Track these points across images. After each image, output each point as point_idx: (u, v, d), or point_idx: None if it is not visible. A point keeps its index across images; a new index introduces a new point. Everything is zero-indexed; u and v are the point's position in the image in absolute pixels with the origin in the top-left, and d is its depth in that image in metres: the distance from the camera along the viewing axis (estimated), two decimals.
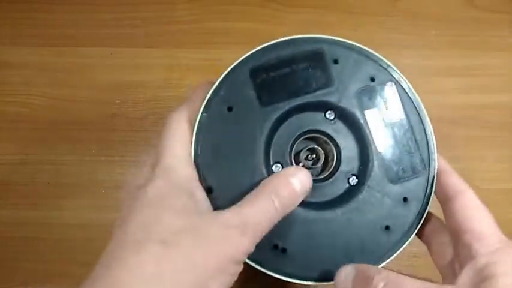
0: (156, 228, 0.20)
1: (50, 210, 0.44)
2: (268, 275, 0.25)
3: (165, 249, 0.20)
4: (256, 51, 0.27)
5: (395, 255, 0.26)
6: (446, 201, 0.26)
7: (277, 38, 0.27)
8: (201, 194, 0.24)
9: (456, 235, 0.24)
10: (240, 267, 0.22)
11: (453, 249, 0.25)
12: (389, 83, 0.27)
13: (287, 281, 0.25)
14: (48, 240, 0.44)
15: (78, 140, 0.46)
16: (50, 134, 0.46)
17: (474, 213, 0.24)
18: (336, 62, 0.27)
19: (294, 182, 0.23)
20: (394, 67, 0.28)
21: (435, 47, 0.49)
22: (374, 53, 0.27)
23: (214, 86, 0.26)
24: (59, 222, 0.44)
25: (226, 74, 0.26)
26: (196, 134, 0.25)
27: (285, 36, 0.27)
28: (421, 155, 0.27)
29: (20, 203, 0.45)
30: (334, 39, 0.27)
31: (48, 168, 0.45)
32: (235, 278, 0.22)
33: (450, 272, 0.25)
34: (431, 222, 0.28)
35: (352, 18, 0.49)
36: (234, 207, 0.22)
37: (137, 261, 0.19)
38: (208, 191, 0.24)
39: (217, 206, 0.24)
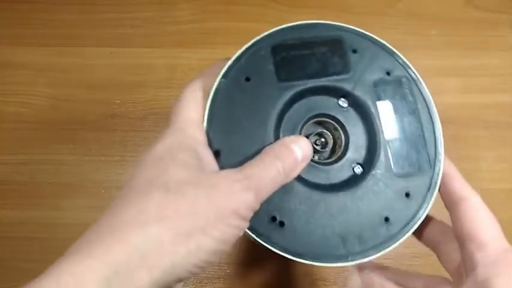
0: (161, 178, 0.21)
1: (50, 210, 0.44)
2: (262, 246, 0.25)
3: (168, 196, 0.20)
4: (281, 29, 0.27)
5: (391, 247, 0.26)
6: (451, 206, 0.26)
7: (301, 20, 0.27)
8: (208, 155, 0.24)
9: (461, 242, 0.24)
10: (245, 224, 0.22)
11: (460, 256, 0.25)
12: (404, 79, 0.28)
13: (279, 255, 0.25)
14: (48, 240, 0.44)
15: (78, 140, 0.46)
16: (50, 134, 0.46)
17: (477, 221, 0.24)
18: (354, 51, 0.27)
19: (296, 149, 0.24)
20: (410, 64, 0.28)
21: (435, 47, 0.49)
22: (392, 48, 0.28)
23: (236, 54, 0.27)
24: (59, 222, 0.44)
25: (249, 46, 0.27)
26: (212, 97, 0.25)
27: (309, 19, 0.27)
28: (428, 153, 0.27)
29: (20, 203, 0.45)
30: (356, 30, 0.28)
31: (48, 168, 0.45)
32: (240, 233, 0.22)
33: (458, 278, 0.25)
34: (438, 225, 0.28)
35: (352, 18, 0.49)
36: (238, 167, 0.23)
37: (140, 206, 0.20)
38: (216, 154, 0.25)
39: (223, 169, 0.24)
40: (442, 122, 0.28)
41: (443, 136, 0.28)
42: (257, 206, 0.22)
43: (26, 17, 0.49)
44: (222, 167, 0.24)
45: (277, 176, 0.23)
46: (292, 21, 0.28)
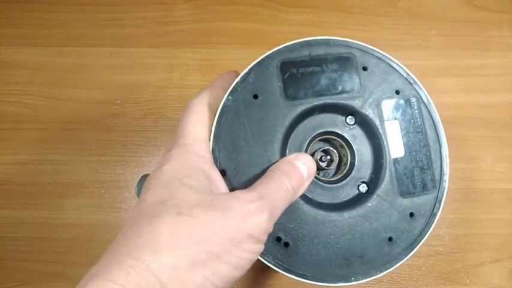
0: (172, 202, 0.20)
1: (50, 210, 0.44)
2: (267, 267, 0.25)
3: (181, 219, 0.20)
4: (290, 45, 0.27)
5: (394, 267, 0.26)
6: None
7: (311, 36, 0.27)
8: (216, 175, 0.24)
9: None
10: (259, 247, 0.21)
11: None
12: (413, 98, 0.28)
13: (283, 275, 0.25)
14: (48, 240, 0.44)
15: (78, 140, 0.46)
16: (50, 134, 0.46)
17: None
18: (364, 69, 0.27)
19: (300, 165, 0.23)
20: (419, 83, 0.28)
21: (435, 47, 0.49)
22: (403, 67, 0.28)
23: (244, 72, 0.26)
24: (59, 222, 0.44)
25: (257, 63, 0.26)
26: (219, 115, 0.25)
27: (319, 35, 0.27)
28: (433, 174, 0.27)
29: (20, 203, 0.45)
30: (367, 47, 0.28)
31: (48, 168, 0.45)
32: (254, 258, 0.21)
33: None
34: None
35: (352, 18, 0.49)
36: (248, 188, 0.22)
37: (152, 230, 0.19)
38: (222, 173, 0.25)
39: (230, 189, 0.24)
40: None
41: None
42: (271, 228, 0.22)
43: (26, 17, 0.49)
44: (229, 186, 0.24)
45: (288, 195, 0.22)
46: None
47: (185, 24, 0.49)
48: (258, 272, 0.43)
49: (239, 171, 0.25)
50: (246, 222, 0.20)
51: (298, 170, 0.23)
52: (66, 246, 0.44)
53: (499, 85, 0.48)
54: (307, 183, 0.24)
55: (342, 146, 0.28)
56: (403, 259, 0.26)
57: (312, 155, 0.28)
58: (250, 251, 0.21)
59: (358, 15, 0.49)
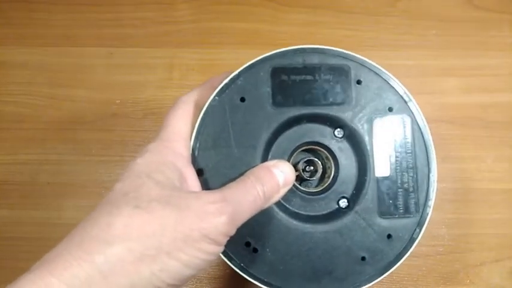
0: (133, 194, 0.21)
1: (50, 210, 0.44)
2: (234, 271, 0.25)
3: (136, 213, 0.20)
4: (284, 50, 0.26)
5: (365, 287, 0.25)
6: None
7: (305, 44, 0.26)
8: (190, 173, 0.24)
9: None
10: (216, 249, 0.21)
11: None
12: (406, 118, 0.27)
13: (249, 281, 0.25)
14: (48, 240, 0.44)
15: (78, 140, 0.46)
16: (50, 134, 0.46)
17: None
18: (359, 82, 0.26)
19: (277, 173, 0.23)
20: (415, 102, 0.27)
21: (435, 47, 0.49)
22: (399, 83, 0.27)
23: (233, 74, 0.26)
24: (59, 222, 0.44)
25: (248, 66, 0.26)
26: (203, 114, 0.25)
27: (314, 44, 0.26)
28: (418, 197, 0.26)
29: (20, 203, 0.45)
30: (364, 60, 0.27)
31: (48, 168, 0.45)
32: (210, 258, 0.21)
33: None
34: None
35: (352, 18, 0.49)
36: (216, 189, 0.22)
37: (108, 221, 0.20)
38: (199, 172, 0.24)
39: (204, 189, 0.24)
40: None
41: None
42: (232, 231, 0.21)
43: (26, 17, 0.49)
44: (203, 187, 0.24)
45: (257, 200, 0.22)
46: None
47: (185, 24, 0.49)
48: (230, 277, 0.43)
49: (217, 172, 0.24)
50: (202, 221, 0.20)
51: (275, 177, 0.23)
52: None
53: (499, 85, 0.48)
54: (283, 191, 0.23)
55: (327, 157, 0.27)
56: (373, 281, 0.25)
57: (296, 164, 0.27)
58: (204, 251, 0.20)
59: (358, 15, 0.49)
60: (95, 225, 0.20)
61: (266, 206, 0.23)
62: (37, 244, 0.44)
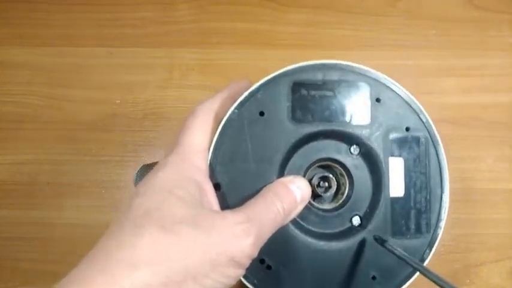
0: (157, 213, 0.20)
1: (50, 210, 0.44)
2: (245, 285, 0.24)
3: (163, 235, 0.19)
4: (304, 65, 0.26)
5: None
6: None
7: (325, 59, 0.26)
8: (208, 188, 0.23)
9: None
10: (240, 272, 0.21)
11: None
12: (423, 139, 0.27)
13: None
14: (48, 240, 0.44)
15: (78, 140, 0.46)
16: (49, 134, 0.46)
17: None
18: (378, 100, 0.26)
19: (294, 189, 0.23)
20: (432, 123, 0.27)
21: (435, 47, 0.49)
22: (418, 104, 0.27)
23: (253, 87, 0.25)
24: (59, 222, 0.44)
25: (268, 80, 0.26)
26: (222, 128, 0.25)
27: (336, 59, 0.26)
28: (429, 218, 0.26)
29: (20, 203, 0.45)
30: (384, 78, 0.27)
31: (48, 168, 0.45)
32: (232, 283, 0.21)
33: None
34: None
35: (352, 18, 0.49)
36: (238, 208, 0.21)
37: (132, 243, 0.19)
38: (216, 187, 0.24)
39: (221, 204, 0.24)
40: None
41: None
42: (256, 253, 0.21)
43: (25, 17, 0.49)
44: (220, 201, 0.24)
45: (277, 218, 0.22)
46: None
47: (185, 24, 0.49)
48: None
49: (234, 187, 0.24)
50: (229, 245, 0.19)
51: (292, 193, 0.23)
52: (65, 246, 0.44)
53: (499, 85, 0.48)
54: (300, 207, 0.23)
55: (341, 174, 0.27)
56: None
57: (310, 180, 0.27)
58: (228, 276, 0.20)
59: (358, 15, 0.49)
60: (120, 247, 0.19)
61: (285, 223, 0.23)
62: (37, 244, 0.44)
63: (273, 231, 0.22)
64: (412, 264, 0.23)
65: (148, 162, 0.38)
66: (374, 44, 0.49)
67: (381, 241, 0.25)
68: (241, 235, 0.20)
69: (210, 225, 0.20)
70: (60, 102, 0.47)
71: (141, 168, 0.37)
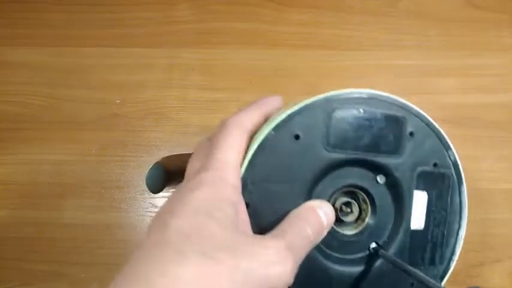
0: (197, 239, 0.19)
1: (50, 210, 0.44)
2: None
3: (204, 263, 0.19)
4: (349, 92, 0.26)
5: None
6: None
7: (369, 89, 0.26)
8: (243, 207, 0.23)
9: None
10: None
11: None
12: (449, 176, 0.27)
13: None
14: (48, 240, 0.44)
15: (78, 140, 0.46)
16: (50, 134, 0.46)
17: None
18: (411, 134, 0.27)
19: (321, 214, 0.23)
20: (459, 163, 0.28)
21: (435, 47, 0.49)
22: (449, 142, 0.27)
23: (294, 109, 0.25)
24: (59, 222, 0.44)
25: (308, 104, 0.26)
26: (257, 147, 0.25)
27: (375, 89, 0.26)
28: (443, 251, 0.27)
29: (20, 203, 0.45)
30: (420, 113, 0.27)
31: (48, 168, 0.45)
32: None
33: None
34: None
35: (352, 18, 0.49)
36: (275, 233, 0.22)
37: (175, 272, 0.19)
38: (246, 205, 0.24)
39: (251, 223, 0.24)
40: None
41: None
42: (292, 280, 0.20)
43: (26, 17, 0.49)
44: (250, 220, 0.24)
45: (308, 244, 0.22)
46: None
47: (185, 24, 0.49)
48: None
49: (262, 206, 0.24)
50: (269, 274, 0.19)
51: (319, 218, 0.23)
52: (66, 246, 0.44)
53: (498, 85, 0.48)
54: (325, 232, 0.23)
55: (364, 200, 0.27)
56: None
57: (333, 204, 0.27)
58: None
59: (358, 15, 0.49)
60: (163, 276, 0.18)
61: (316, 244, 0.23)
62: (37, 244, 0.44)
63: (304, 257, 0.22)
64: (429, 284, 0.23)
65: (166, 154, 0.37)
66: (374, 44, 0.49)
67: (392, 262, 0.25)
68: (280, 263, 0.20)
69: (251, 252, 0.20)
70: (60, 102, 0.47)
71: (151, 167, 0.36)
